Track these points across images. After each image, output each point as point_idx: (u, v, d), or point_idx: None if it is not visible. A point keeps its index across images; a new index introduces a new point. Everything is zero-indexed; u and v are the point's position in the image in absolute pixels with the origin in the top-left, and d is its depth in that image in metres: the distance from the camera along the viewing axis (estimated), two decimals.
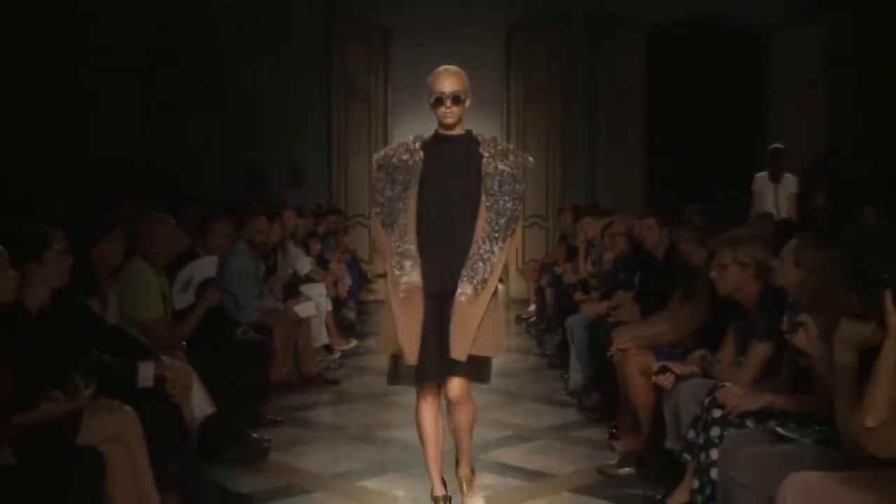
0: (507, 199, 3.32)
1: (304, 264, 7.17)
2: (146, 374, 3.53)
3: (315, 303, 6.40)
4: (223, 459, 4.17)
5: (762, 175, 7.95)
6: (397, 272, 3.32)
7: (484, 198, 3.32)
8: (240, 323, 5.14)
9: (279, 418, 5.10)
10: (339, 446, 4.68)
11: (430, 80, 3.45)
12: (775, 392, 3.09)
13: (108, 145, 8.82)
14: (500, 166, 3.34)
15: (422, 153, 3.41)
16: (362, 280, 9.52)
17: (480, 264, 3.28)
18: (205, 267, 4.67)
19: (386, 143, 10.31)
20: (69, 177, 7.36)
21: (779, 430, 2.89)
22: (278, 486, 4.02)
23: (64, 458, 2.83)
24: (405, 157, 3.41)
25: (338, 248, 9.00)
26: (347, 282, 8.29)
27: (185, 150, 9.36)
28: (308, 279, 7.03)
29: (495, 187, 3.32)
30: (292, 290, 6.47)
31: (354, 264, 9.21)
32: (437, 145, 3.46)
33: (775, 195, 7.68)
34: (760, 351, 3.42)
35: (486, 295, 3.28)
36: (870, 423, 2.24)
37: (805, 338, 2.81)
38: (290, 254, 6.89)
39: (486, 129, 12.06)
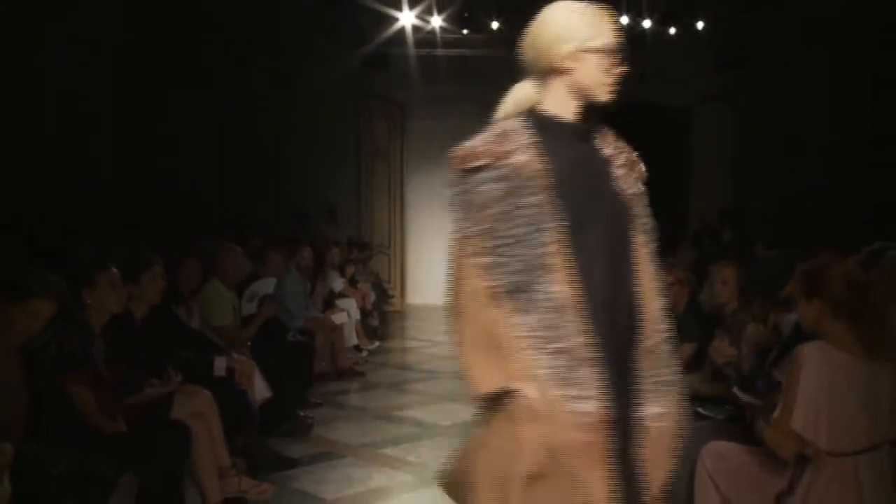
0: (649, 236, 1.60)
1: (339, 284, 7.21)
2: (220, 366, 3.58)
3: (347, 313, 6.44)
4: (278, 432, 4.17)
5: None
6: (560, 393, 1.39)
7: (636, 233, 1.57)
8: (290, 328, 5.17)
9: (319, 402, 5.09)
10: (365, 423, 4.67)
11: (567, 22, 1.50)
12: (699, 381, 3.13)
13: (189, 187, 8.80)
14: (638, 181, 1.65)
15: (547, 156, 1.51)
16: (383, 295, 9.57)
17: (664, 355, 1.51)
18: (264, 285, 4.73)
19: (402, 192, 10.40)
20: (158, 211, 7.31)
21: (699, 410, 2.92)
22: (318, 453, 4.02)
23: (160, 429, 2.87)
24: (521, 157, 1.49)
25: (364, 272, 9.06)
26: (372, 297, 8.30)
27: (248, 193, 9.42)
28: (342, 295, 7.07)
29: (642, 216, 1.60)
30: (330, 303, 6.50)
31: (377, 284, 9.24)
32: (561, 139, 1.55)
33: None
34: (687, 350, 3.46)
35: (683, 412, 1.53)
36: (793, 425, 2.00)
37: (720, 350, 2.86)
38: (328, 276, 6.95)
39: None
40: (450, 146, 1.52)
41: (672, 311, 1.57)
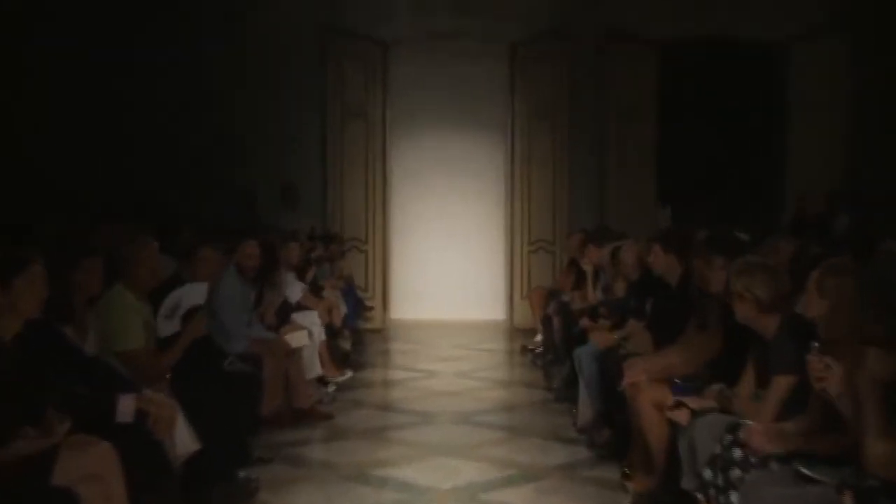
0: None
1: (297, 291, 7.15)
2: (126, 407, 3.47)
3: (308, 332, 6.37)
4: (208, 500, 4.11)
5: None
6: None
7: None
8: (228, 353, 5.11)
9: (269, 456, 5.05)
10: (331, 486, 4.62)
11: None
12: (800, 429, 3.04)
13: (93, 167, 8.87)
14: None
15: None
16: (358, 307, 9.49)
17: None
18: (192, 293, 4.64)
19: (383, 159, 10.39)
20: (53, 200, 7.40)
21: (804, 471, 2.84)
22: None
23: (37, 500, 2.77)
24: None
25: (332, 274, 8.98)
26: (342, 309, 8.27)
27: (175, 172, 9.39)
28: (300, 307, 7.02)
29: None
30: (284, 318, 6.44)
31: (350, 291, 9.19)
32: None
33: None
34: (782, 385, 3.36)
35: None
36: None
37: (831, 382, 2.76)
38: (282, 281, 6.86)
39: (490, 146, 12.13)
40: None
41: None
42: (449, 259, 11.17)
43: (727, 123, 10.02)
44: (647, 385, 4.17)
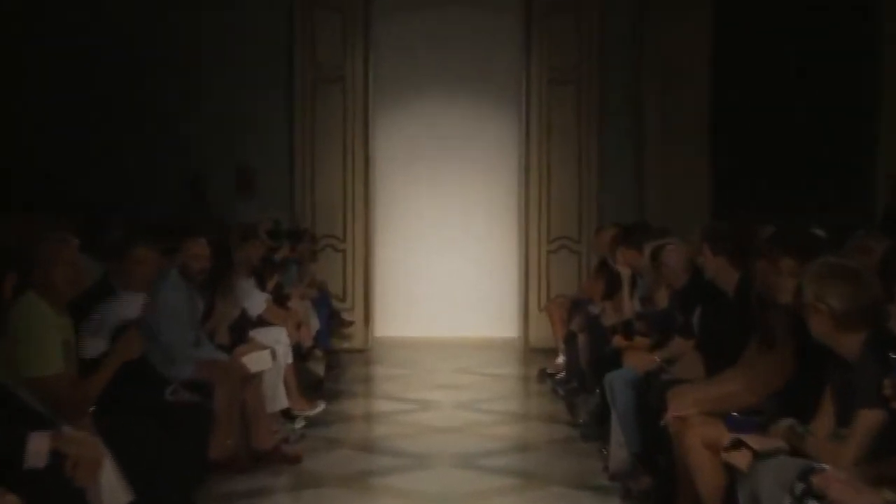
0: None
1: (257, 302, 7.16)
2: (39, 448, 3.46)
3: (270, 352, 6.37)
4: None
5: None
6: None
7: None
8: (169, 380, 5.12)
9: None
10: None
11: None
12: (892, 476, 3.02)
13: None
14: None
15: None
16: (333, 322, 9.49)
17: None
18: (124, 305, 4.67)
19: (366, 136, 10.39)
20: None
21: None
22: None
23: None
24: None
25: (301, 280, 8.99)
26: (314, 325, 8.28)
27: (100, 152, 9.39)
28: (261, 321, 7.03)
29: None
30: (241, 335, 6.45)
31: (323, 301, 9.19)
32: None
33: None
34: (869, 420, 3.35)
35: None
36: None
37: None
38: (238, 288, 6.86)
39: (499, 119, 12.17)
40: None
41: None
42: (447, 261, 11.21)
43: (800, 85, 9.95)
44: (698, 420, 4.17)
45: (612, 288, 7.66)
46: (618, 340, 6.25)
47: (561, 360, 8.53)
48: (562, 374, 8.29)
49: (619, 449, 5.54)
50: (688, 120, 10.20)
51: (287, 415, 6.81)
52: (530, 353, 10.13)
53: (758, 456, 3.60)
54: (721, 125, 10.15)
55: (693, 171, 10.22)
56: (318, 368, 8.32)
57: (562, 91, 10.45)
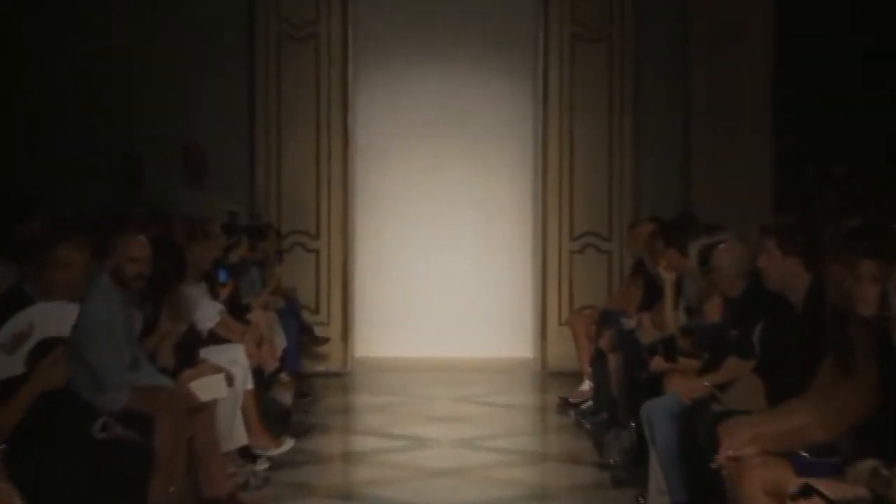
0: None
1: (210, 313, 7.18)
2: None
3: (226, 376, 6.36)
4: None
5: None
6: None
7: None
8: (99, 411, 5.10)
9: None
10: None
11: None
12: None
13: None
14: None
15: None
16: (304, 339, 9.50)
17: None
18: (43, 318, 4.65)
19: (344, 106, 10.36)
20: None
21: None
22: None
23: None
24: None
25: (264, 287, 8.99)
26: (280, 342, 8.27)
27: (13, 129, 9.39)
28: (214, 337, 7.06)
29: None
30: (188, 355, 6.45)
31: (291, 313, 9.19)
32: None
33: None
34: None
35: None
36: None
37: None
38: (186, 296, 6.88)
39: (510, 87, 12.22)
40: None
41: None
42: (444, 264, 11.23)
43: (881, 44, 9.96)
44: (758, 461, 4.19)
45: (650, 297, 7.68)
46: (657, 362, 6.26)
47: (587, 386, 8.55)
48: (588, 404, 8.31)
49: (660, 497, 5.56)
50: (745, 89, 10.19)
51: (246, 454, 6.80)
52: (548, 377, 10.14)
53: None
54: (787, 97, 10.13)
55: (751, 152, 10.20)
56: (285, 397, 8.30)
57: (588, 50, 10.41)
